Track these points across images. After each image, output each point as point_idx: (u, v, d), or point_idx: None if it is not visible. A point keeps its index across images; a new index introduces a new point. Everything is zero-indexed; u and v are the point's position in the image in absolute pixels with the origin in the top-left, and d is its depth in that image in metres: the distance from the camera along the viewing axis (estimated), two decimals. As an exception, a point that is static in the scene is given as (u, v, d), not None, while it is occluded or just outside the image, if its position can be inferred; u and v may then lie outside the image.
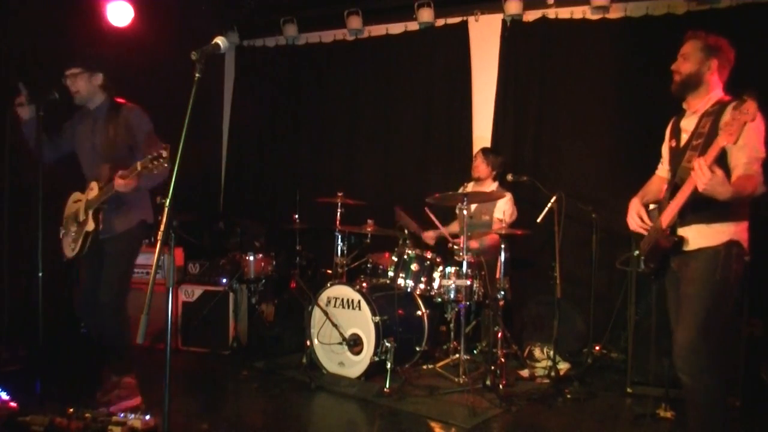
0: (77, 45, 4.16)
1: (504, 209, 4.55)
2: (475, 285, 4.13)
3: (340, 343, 4.03)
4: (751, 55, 3.29)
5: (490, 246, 4.64)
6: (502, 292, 4.18)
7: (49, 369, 3.31)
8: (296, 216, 5.26)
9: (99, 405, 3.10)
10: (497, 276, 4.26)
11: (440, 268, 4.25)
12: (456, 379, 3.90)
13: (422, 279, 4.25)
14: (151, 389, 3.44)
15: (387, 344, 3.81)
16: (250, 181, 6.54)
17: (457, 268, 4.12)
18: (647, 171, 2.98)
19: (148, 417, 2.69)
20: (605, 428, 3.37)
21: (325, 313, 4.10)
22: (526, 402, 3.64)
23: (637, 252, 3.59)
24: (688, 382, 2.48)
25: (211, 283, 4.89)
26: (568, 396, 3.77)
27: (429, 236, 4.92)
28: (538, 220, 4.40)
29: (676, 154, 2.65)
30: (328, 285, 4.23)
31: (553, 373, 4.06)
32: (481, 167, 4.80)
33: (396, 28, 5.87)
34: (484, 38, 5.50)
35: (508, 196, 4.67)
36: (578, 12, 5.15)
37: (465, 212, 4.00)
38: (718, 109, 2.48)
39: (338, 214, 4.67)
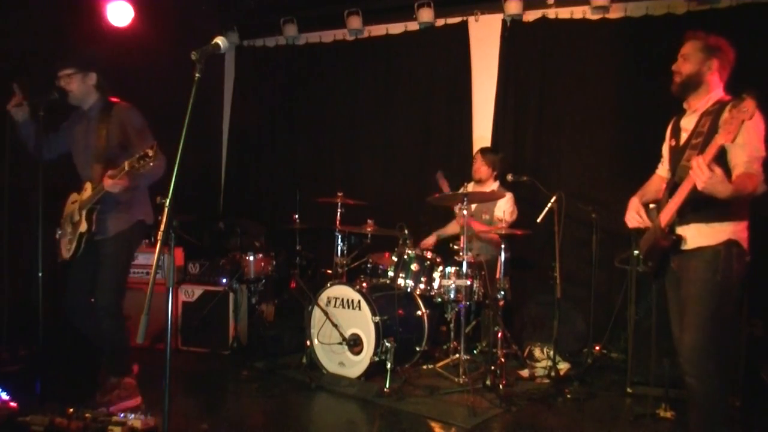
0: (77, 45, 4.16)
1: (504, 208, 4.55)
2: (475, 285, 4.13)
3: (340, 343, 4.03)
4: (751, 55, 3.30)
5: (490, 246, 4.64)
6: (502, 292, 4.18)
7: (49, 369, 3.31)
8: (296, 216, 5.27)
9: (99, 405, 3.10)
10: (497, 276, 4.26)
11: (440, 268, 4.25)
12: (456, 379, 3.90)
13: (422, 279, 4.25)
14: (151, 389, 3.44)
15: (387, 344, 3.81)
16: (250, 181, 6.54)
17: (457, 268, 4.12)
18: (647, 171, 2.98)
19: (148, 417, 2.69)
20: (605, 428, 3.37)
21: (325, 313, 4.10)
22: (526, 402, 3.64)
23: (636, 251, 3.60)
24: (694, 385, 2.47)
25: (211, 283, 4.89)
26: (568, 396, 3.77)
27: (428, 244, 4.90)
28: (538, 220, 4.40)
29: (676, 153, 2.65)
30: (328, 285, 4.23)
31: (553, 373, 4.06)
32: (481, 169, 4.79)
33: (396, 28, 5.87)
34: (484, 38, 5.50)
35: (509, 195, 4.67)
36: (578, 12, 5.15)
37: (465, 212, 4.00)
38: (718, 108, 2.48)
39: (338, 214, 4.67)
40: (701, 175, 2.22)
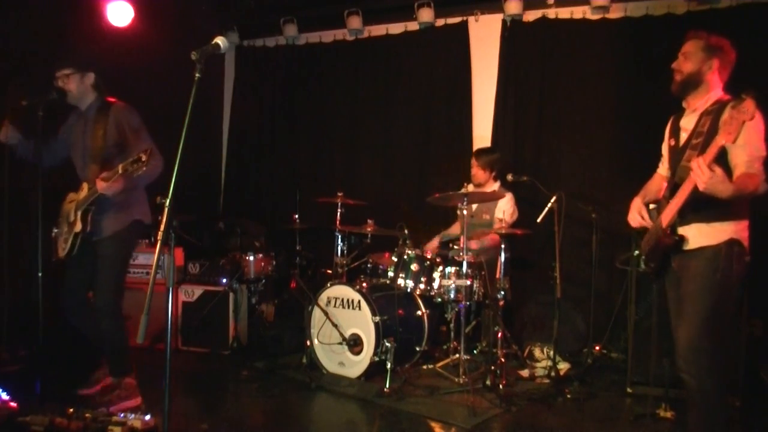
0: (77, 45, 4.16)
1: (504, 209, 4.55)
2: (475, 285, 4.13)
3: (340, 343, 4.03)
4: (751, 55, 3.29)
5: (490, 246, 4.64)
6: (502, 292, 4.18)
7: (49, 369, 3.30)
8: (296, 216, 5.26)
9: (99, 405, 3.10)
10: (497, 276, 4.26)
11: (440, 268, 4.25)
12: (456, 379, 3.90)
13: (422, 279, 4.25)
14: (151, 389, 3.44)
15: (387, 344, 3.81)
16: (250, 181, 6.54)
17: (457, 268, 4.12)
18: (647, 171, 2.98)
19: (148, 417, 2.69)
20: (605, 428, 3.37)
21: (325, 313, 4.10)
22: (526, 402, 3.64)
23: (637, 252, 3.60)
24: (690, 382, 2.47)
25: (211, 283, 4.88)
26: (568, 396, 3.77)
27: (432, 247, 4.88)
28: (538, 220, 4.40)
29: (676, 153, 2.65)
30: (328, 285, 4.23)
31: (553, 373, 4.06)
32: (478, 174, 4.77)
33: (396, 28, 5.87)
34: (484, 38, 5.50)
35: (509, 195, 4.66)
36: (578, 12, 5.15)
37: (465, 212, 4.00)
38: (718, 108, 2.48)
39: (338, 214, 4.67)
40: (702, 175, 2.22)
